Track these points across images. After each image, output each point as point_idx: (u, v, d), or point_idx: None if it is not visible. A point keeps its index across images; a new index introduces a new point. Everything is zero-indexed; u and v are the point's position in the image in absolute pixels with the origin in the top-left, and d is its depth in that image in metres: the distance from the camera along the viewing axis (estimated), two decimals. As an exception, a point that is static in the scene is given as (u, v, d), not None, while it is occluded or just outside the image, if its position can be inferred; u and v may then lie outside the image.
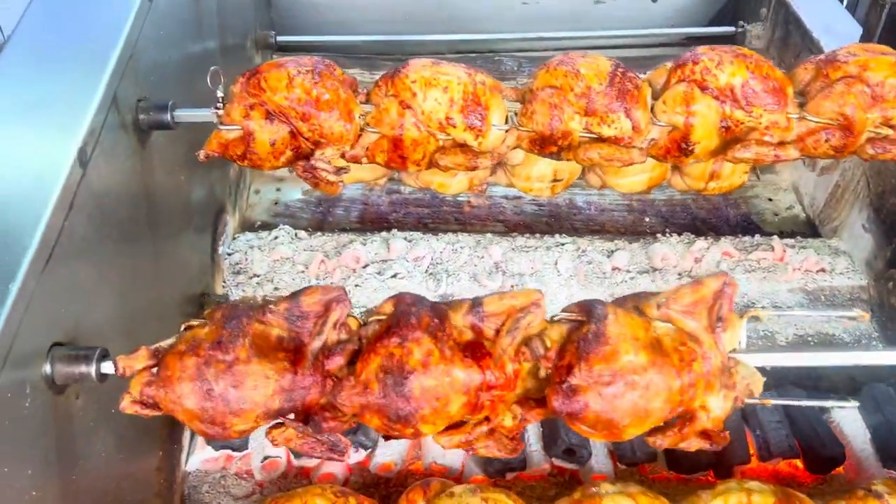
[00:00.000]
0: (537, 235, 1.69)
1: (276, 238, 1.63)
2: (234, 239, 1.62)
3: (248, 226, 1.74)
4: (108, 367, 0.83)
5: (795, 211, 1.85)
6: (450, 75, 1.11)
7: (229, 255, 1.58)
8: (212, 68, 1.09)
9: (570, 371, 0.78)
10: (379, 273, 1.56)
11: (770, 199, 1.88)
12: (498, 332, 0.82)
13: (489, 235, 1.67)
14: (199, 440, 1.26)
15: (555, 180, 1.45)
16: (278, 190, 1.84)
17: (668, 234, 1.70)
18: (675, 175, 1.46)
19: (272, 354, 0.80)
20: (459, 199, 1.82)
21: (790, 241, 1.68)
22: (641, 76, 1.17)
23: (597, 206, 1.84)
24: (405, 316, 0.80)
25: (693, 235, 1.70)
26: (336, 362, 0.80)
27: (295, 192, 1.84)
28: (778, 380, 1.30)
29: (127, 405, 0.81)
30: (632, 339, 0.80)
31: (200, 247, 1.47)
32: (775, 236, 1.68)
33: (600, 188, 1.45)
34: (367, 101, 1.12)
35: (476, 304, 0.83)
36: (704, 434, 0.83)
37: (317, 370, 0.80)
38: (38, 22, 1.12)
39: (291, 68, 1.08)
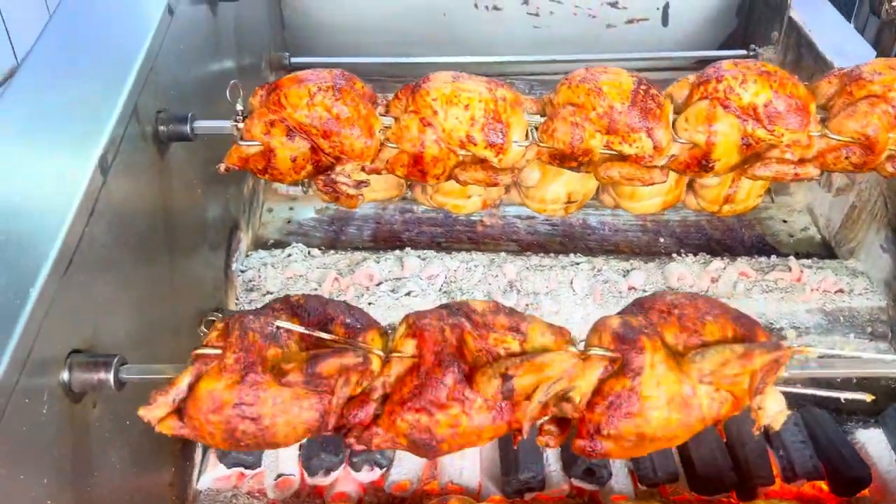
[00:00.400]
0: (551, 255, 1.67)
1: (289, 256, 1.62)
2: (247, 256, 1.61)
3: (260, 244, 1.73)
4: (126, 375, 0.81)
5: (811, 232, 1.84)
6: (471, 92, 1.10)
7: (242, 272, 1.57)
8: (231, 82, 1.09)
9: (599, 430, 0.76)
10: (393, 291, 1.55)
11: (785, 221, 1.87)
12: (528, 395, 0.78)
13: (503, 254, 1.66)
14: (212, 457, 1.23)
15: (569, 202, 1.44)
16: (291, 209, 1.84)
17: (683, 255, 1.69)
18: (689, 195, 1.45)
19: (297, 404, 0.76)
20: (472, 218, 1.81)
21: (807, 261, 1.66)
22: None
23: (611, 227, 1.83)
24: (431, 377, 0.75)
25: (709, 256, 1.68)
26: (362, 416, 0.78)
27: (308, 210, 1.83)
28: (800, 399, 1.28)
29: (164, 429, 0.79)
30: (666, 400, 0.77)
31: (214, 263, 1.46)
32: (792, 257, 1.67)
33: (614, 208, 1.45)
34: (387, 113, 1.12)
35: (506, 379, 0.76)
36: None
37: (342, 418, 0.79)
38: (62, 32, 1.12)
39: (312, 85, 1.07)
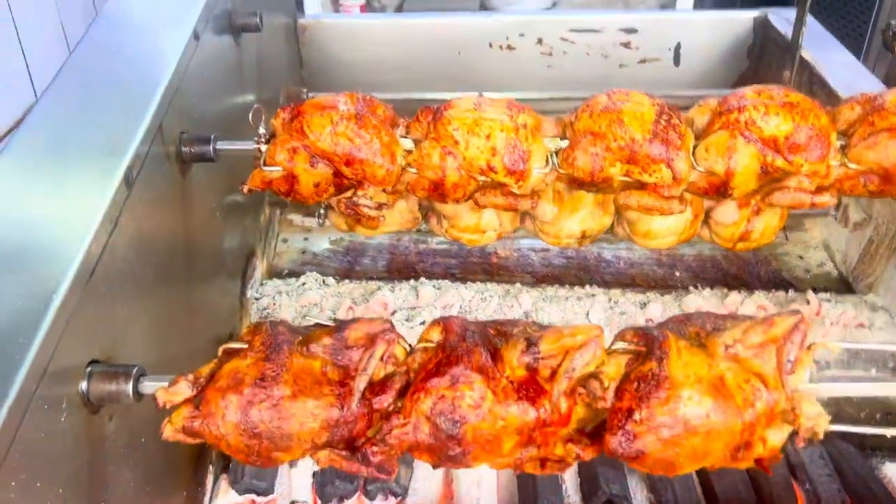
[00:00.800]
0: (567, 286, 1.66)
1: (303, 284, 1.61)
2: (262, 284, 1.61)
3: (275, 273, 1.73)
4: (145, 387, 0.80)
5: (827, 268, 1.83)
6: (492, 121, 1.10)
7: (257, 299, 1.56)
8: (255, 106, 1.11)
9: (630, 416, 0.74)
10: (407, 320, 1.54)
11: (801, 257, 1.86)
12: (553, 370, 0.78)
13: (518, 285, 1.65)
14: (223, 484, 1.21)
15: (583, 237, 1.45)
16: (306, 239, 1.84)
17: (699, 288, 1.68)
18: (703, 228, 1.46)
19: (317, 390, 0.76)
20: (487, 250, 1.81)
21: (825, 295, 1.65)
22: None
23: (626, 261, 1.82)
24: (455, 352, 0.77)
25: (725, 289, 1.67)
26: (384, 400, 0.77)
27: (322, 241, 1.83)
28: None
29: (169, 434, 0.78)
30: (695, 381, 0.75)
31: (230, 290, 1.46)
32: (810, 290, 1.65)
33: (627, 240, 1.45)
34: (407, 134, 1.12)
35: (532, 343, 0.79)
36: (757, 461, 0.79)
37: (364, 405, 0.77)
38: (89, 57, 1.15)
39: (334, 114, 1.08)
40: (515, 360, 0.74)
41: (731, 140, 1.11)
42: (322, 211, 1.41)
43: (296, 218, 1.89)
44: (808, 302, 1.61)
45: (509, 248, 1.84)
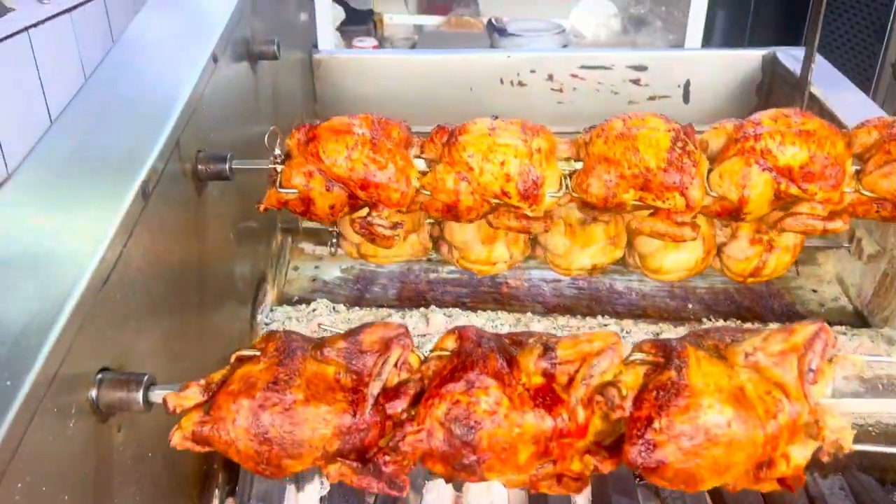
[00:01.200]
0: (578, 316, 1.65)
1: (314, 310, 1.60)
2: (272, 310, 1.60)
3: (285, 300, 1.73)
4: (155, 396, 0.79)
5: (842, 302, 1.81)
6: (507, 147, 1.10)
7: (267, 324, 1.55)
8: (271, 128, 1.12)
9: (649, 425, 0.72)
10: (418, 346, 1.51)
11: (814, 291, 1.84)
12: (570, 377, 0.77)
13: (529, 314, 1.64)
14: (228, 508, 1.19)
15: (594, 269, 1.45)
16: (317, 267, 1.84)
17: (712, 320, 1.66)
18: (715, 259, 1.46)
19: (330, 395, 0.75)
20: (498, 280, 1.80)
21: (840, 328, 1.62)
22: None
23: (638, 293, 1.81)
24: (471, 358, 0.76)
25: (739, 321, 1.65)
26: (397, 406, 0.76)
27: (333, 269, 1.83)
28: (844, 461, 1.22)
29: (178, 441, 0.77)
30: (715, 390, 0.74)
31: (241, 314, 1.45)
32: (825, 323, 1.63)
33: (638, 271, 1.45)
34: (422, 153, 1.13)
35: (548, 348, 0.78)
36: (780, 480, 0.77)
37: (377, 412, 0.76)
38: (110, 73, 1.17)
39: (350, 139, 1.09)
40: (532, 366, 0.73)
41: (746, 168, 1.10)
42: (334, 240, 1.42)
43: (307, 246, 1.89)
44: (823, 334, 1.59)
45: (520, 277, 1.83)
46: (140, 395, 0.78)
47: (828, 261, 1.90)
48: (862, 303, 1.76)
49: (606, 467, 0.74)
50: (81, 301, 0.75)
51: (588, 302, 1.77)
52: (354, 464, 0.74)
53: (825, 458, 0.76)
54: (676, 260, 1.40)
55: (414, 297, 1.75)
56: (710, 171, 1.13)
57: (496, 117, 1.14)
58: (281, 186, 1.10)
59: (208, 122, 1.20)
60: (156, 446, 0.91)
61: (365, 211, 1.14)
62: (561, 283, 1.82)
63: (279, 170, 1.11)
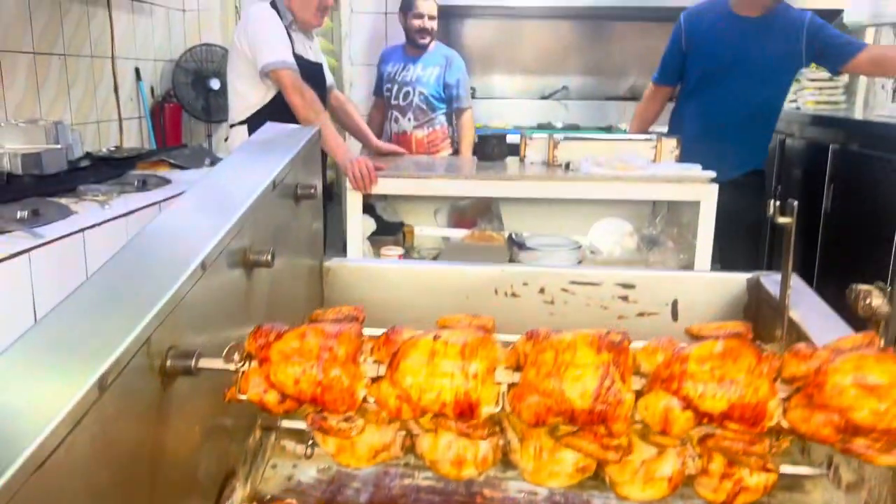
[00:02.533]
0: (549, 533, 1.61)
1: (280, 511, 1.61)
2: (239, 508, 1.61)
3: (257, 499, 1.73)
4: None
5: (831, 534, 1.72)
6: (443, 377, 1.18)
7: (230, 522, 1.56)
8: (231, 344, 1.24)
9: None
10: (376, 556, 1.49)
11: (803, 520, 1.77)
12: None
13: (498, 528, 1.61)
14: None
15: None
16: (295, 466, 1.86)
17: (689, 545, 1.60)
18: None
19: None
20: (473, 489, 1.79)
21: (824, 562, 1.55)
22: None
23: (615, 511, 1.76)
24: None
25: (716, 549, 1.59)
26: None
27: (311, 469, 1.85)
28: None
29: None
30: None
31: (201, 509, 1.47)
32: (806, 555, 1.56)
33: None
34: (371, 353, 1.22)
35: None
36: None
37: None
38: (112, 270, 1.31)
39: (297, 367, 1.20)
40: None
41: (667, 401, 1.15)
42: (311, 441, 1.47)
43: (289, 444, 1.92)
44: (803, 568, 1.51)
45: (496, 488, 1.81)
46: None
47: (815, 489, 1.84)
48: (850, 536, 1.68)
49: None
50: (11, 482, 0.81)
51: (562, 518, 1.73)
52: None
53: None
54: (645, 495, 1.40)
55: (386, 503, 1.74)
56: (638, 395, 1.18)
57: (438, 336, 1.22)
58: (239, 392, 1.21)
59: (189, 322, 1.31)
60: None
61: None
62: (538, 495, 1.79)
63: (240, 374, 1.21)
